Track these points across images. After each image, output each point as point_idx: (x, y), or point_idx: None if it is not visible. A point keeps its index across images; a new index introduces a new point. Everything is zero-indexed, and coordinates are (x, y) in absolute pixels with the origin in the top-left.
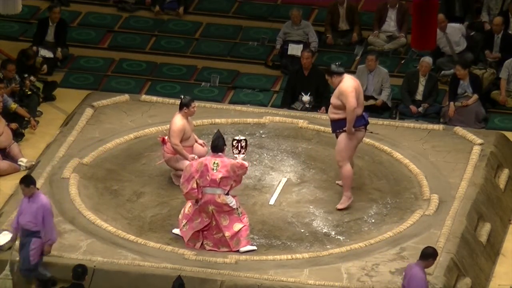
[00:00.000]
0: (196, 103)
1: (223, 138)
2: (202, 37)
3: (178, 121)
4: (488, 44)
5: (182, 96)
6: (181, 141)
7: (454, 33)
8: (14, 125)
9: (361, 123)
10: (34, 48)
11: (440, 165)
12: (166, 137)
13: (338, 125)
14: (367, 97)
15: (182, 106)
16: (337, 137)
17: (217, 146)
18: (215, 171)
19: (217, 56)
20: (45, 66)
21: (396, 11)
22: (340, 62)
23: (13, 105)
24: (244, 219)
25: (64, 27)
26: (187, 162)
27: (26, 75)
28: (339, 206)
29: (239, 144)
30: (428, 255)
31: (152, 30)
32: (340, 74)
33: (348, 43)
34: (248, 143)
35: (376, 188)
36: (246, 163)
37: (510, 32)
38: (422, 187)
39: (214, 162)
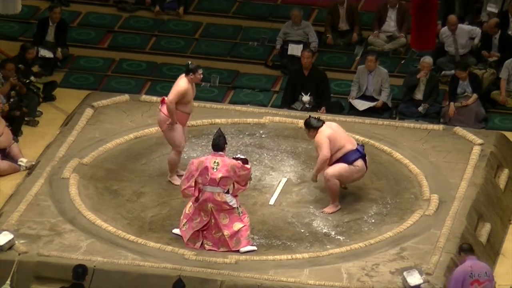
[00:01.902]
0: (201, 70)
1: (224, 137)
2: (202, 37)
3: (183, 83)
4: (486, 45)
5: (189, 62)
6: (179, 105)
7: (463, 35)
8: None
9: (356, 156)
10: (33, 49)
11: (440, 165)
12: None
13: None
14: (367, 98)
15: (188, 72)
16: None
17: (218, 145)
18: (215, 170)
19: (217, 56)
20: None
21: (396, 11)
22: (319, 117)
23: (5, 106)
24: (245, 218)
25: (64, 27)
26: (177, 132)
27: (21, 66)
28: (326, 210)
29: (240, 161)
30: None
31: (152, 30)
32: (317, 128)
33: (348, 43)
34: (248, 161)
35: (376, 188)
36: (248, 165)
37: (510, 32)
38: (422, 187)
39: (215, 161)
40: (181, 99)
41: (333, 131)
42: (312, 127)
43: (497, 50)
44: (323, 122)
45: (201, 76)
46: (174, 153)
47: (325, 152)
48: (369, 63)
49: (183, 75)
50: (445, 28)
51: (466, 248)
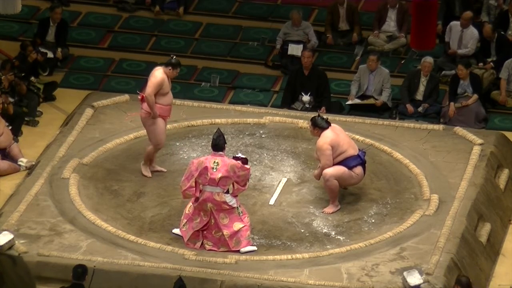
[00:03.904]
0: (179, 69)
1: (224, 137)
2: (202, 37)
3: (159, 74)
4: (485, 49)
5: (174, 56)
6: (157, 97)
7: (470, 36)
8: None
9: (356, 162)
10: (30, 48)
11: (440, 165)
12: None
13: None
14: (367, 97)
15: (168, 65)
16: None
17: (218, 145)
18: (215, 170)
19: (217, 56)
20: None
21: (396, 11)
22: (327, 118)
23: (10, 106)
24: (245, 218)
25: (64, 27)
26: (159, 129)
27: (15, 60)
28: (326, 210)
29: (240, 160)
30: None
31: (152, 30)
32: (322, 129)
33: (348, 43)
34: (248, 161)
35: (376, 188)
36: (247, 165)
37: (510, 32)
38: (422, 187)
39: (215, 161)
40: (158, 91)
41: (336, 136)
42: (318, 126)
43: (495, 53)
44: (330, 125)
45: (177, 74)
46: (152, 148)
47: (326, 161)
48: (371, 62)
49: (159, 66)
50: (457, 22)
51: (464, 283)
